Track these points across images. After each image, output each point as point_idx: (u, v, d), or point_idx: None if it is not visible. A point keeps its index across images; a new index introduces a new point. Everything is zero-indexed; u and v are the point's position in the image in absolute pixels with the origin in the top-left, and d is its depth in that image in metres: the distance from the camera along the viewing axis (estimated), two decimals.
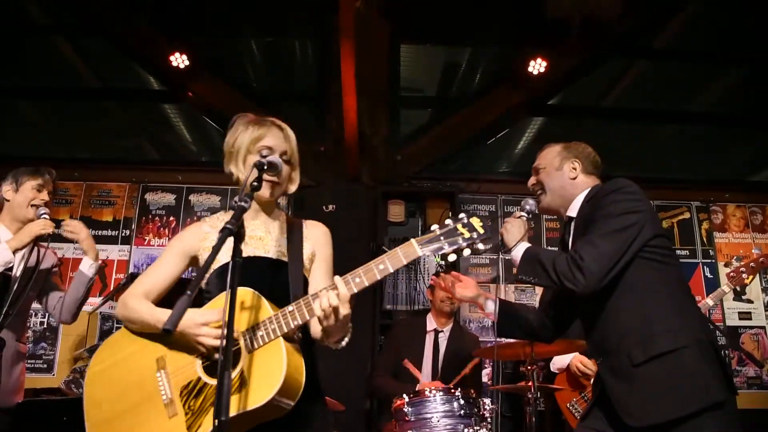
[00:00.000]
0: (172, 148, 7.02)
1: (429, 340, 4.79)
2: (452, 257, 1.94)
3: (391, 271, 1.94)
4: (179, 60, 5.97)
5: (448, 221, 1.96)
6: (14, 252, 3.23)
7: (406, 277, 5.96)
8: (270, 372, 1.90)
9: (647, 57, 6.57)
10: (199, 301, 2.11)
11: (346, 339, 2.11)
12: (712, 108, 6.77)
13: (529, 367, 3.96)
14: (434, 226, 1.96)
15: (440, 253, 1.92)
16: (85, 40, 6.42)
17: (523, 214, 2.79)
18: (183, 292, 1.63)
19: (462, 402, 3.68)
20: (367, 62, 5.45)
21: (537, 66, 5.99)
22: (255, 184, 2.00)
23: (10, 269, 3.29)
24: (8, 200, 3.46)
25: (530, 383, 3.94)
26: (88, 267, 3.60)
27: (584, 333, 2.60)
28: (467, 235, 1.92)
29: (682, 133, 6.94)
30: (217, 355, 2.01)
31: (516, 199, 6.40)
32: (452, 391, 3.73)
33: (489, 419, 3.77)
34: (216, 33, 6.50)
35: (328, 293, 1.92)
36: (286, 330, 1.95)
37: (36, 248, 3.34)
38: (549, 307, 2.88)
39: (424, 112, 6.94)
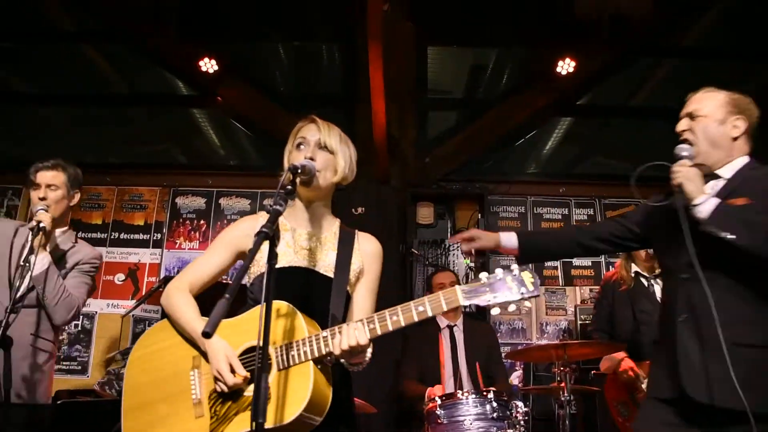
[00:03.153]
0: (201, 152, 7.08)
1: (444, 336, 4.78)
2: (495, 311, 1.89)
3: (430, 315, 1.91)
4: (208, 65, 6.04)
5: (497, 270, 1.91)
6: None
7: None
8: (295, 394, 1.91)
9: (677, 55, 6.49)
10: (242, 301, 2.13)
11: (364, 365, 2.10)
12: None
13: (561, 369, 3.93)
14: (483, 274, 1.92)
15: (484, 305, 1.88)
16: (114, 47, 6.51)
17: (687, 161, 2.42)
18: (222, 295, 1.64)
19: (495, 405, 3.66)
20: (395, 65, 5.45)
21: (565, 66, 5.95)
22: (289, 187, 1.98)
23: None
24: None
25: (563, 385, 3.91)
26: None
27: (672, 285, 2.47)
28: (515, 290, 1.86)
29: None
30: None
31: (546, 201, 6.37)
32: (485, 393, 3.71)
33: (522, 422, 3.75)
34: (244, 38, 6.55)
35: (350, 335, 1.92)
36: (317, 355, 1.95)
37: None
38: (614, 229, 2.80)
39: (452, 114, 6.92)
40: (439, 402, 3.71)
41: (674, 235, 2.38)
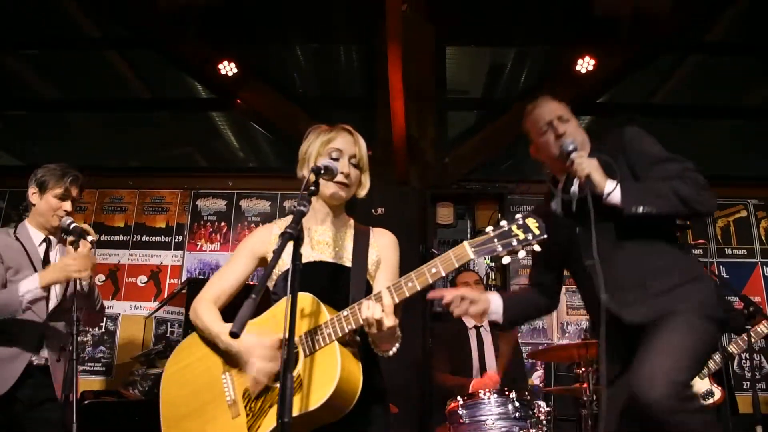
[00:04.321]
0: (221, 155, 7.14)
1: (472, 336, 4.78)
2: (506, 259, 1.91)
3: (443, 274, 1.94)
4: (228, 68, 6.07)
5: (502, 222, 1.92)
6: (43, 288, 3.07)
7: None
8: (325, 375, 1.93)
9: (699, 52, 6.43)
10: (266, 303, 2.15)
11: (395, 348, 2.11)
12: None
13: (583, 369, 3.91)
14: (488, 228, 1.93)
15: (493, 254, 1.89)
16: (135, 52, 6.59)
17: (582, 152, 2.56)
18: (248, 297, 1.67)
19: (517, 404, 3.65)
20: (414, 65, 5.45)
21: (585, 64, 5.91)
22: (312, 188, 2.01)
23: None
24: (33, 204, 3.34)
25: (585, 385, 3.89)
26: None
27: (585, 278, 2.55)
28: (522, 236, 1.88)
29: (737, 128, 6.76)
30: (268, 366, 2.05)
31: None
32: (507, 393, 3.70)
33: (544, 422, 3.73)
34: (263, 41, 6.59)
35: (371, 303, 1.95)
36: (340, 334, 1.98)
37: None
38: (541, 276, 2.90)
39: (471, 113, 6.91)
40: (461, 402, 3.71)
41: (580, 228, 2.54)
